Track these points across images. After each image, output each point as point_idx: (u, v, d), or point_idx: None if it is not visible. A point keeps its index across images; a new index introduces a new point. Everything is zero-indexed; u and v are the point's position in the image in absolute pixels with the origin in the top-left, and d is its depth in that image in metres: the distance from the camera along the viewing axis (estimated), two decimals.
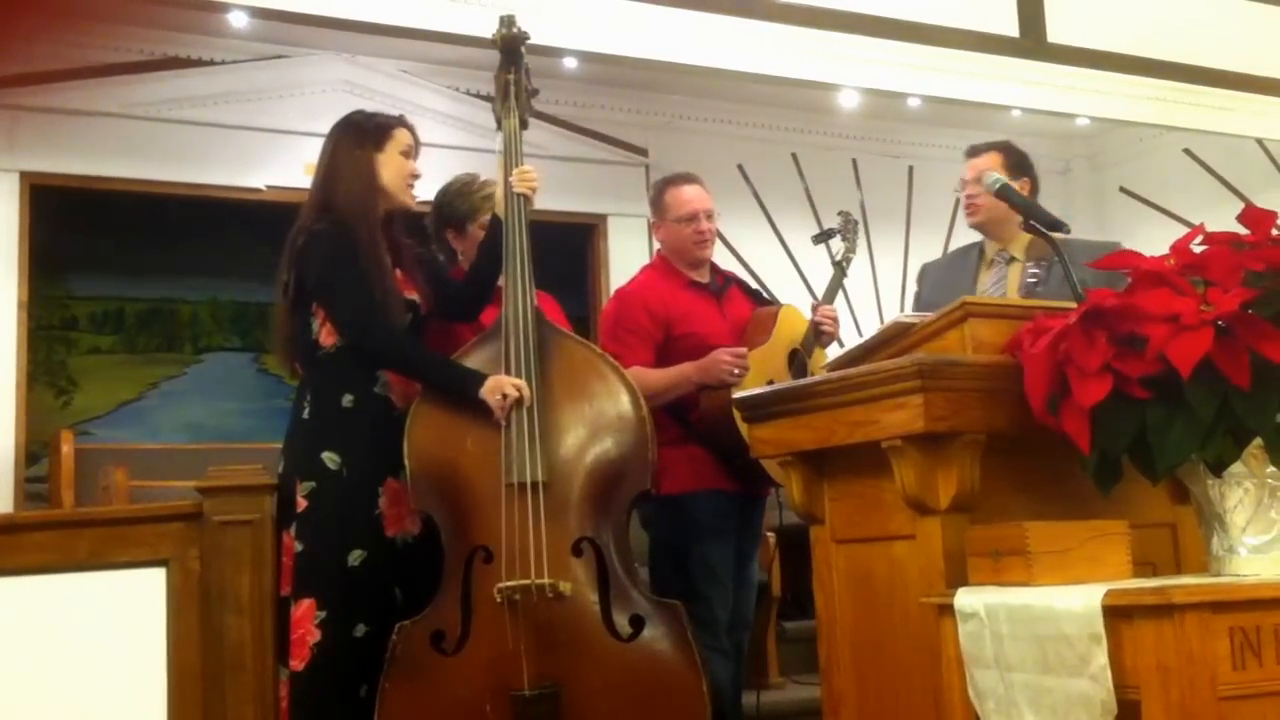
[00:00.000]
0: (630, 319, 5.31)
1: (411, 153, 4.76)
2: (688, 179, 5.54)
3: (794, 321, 5.41)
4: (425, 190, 5.35)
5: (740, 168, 10.13)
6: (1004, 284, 5.14)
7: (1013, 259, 5.18)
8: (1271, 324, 3.09)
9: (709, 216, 5.43)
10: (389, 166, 4.68)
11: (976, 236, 5.37)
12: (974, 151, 5.35)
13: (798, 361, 5.26)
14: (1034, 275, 5.02)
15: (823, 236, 5.89)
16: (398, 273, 4.65)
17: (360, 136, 4.70)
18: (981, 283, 5.21)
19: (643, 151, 9.99)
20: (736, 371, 5.02)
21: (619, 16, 7.28)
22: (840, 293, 5.71)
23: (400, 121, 4.80)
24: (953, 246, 5.82)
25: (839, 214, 5.90)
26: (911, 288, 5.64)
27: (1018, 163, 5.26)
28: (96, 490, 7.86)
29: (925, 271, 5.56)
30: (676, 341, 5.24)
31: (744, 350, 5.09)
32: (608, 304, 5.66)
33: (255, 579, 4.44)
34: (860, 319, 9.75)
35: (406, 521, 4.51)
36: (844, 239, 5.77)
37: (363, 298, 4.46)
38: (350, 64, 8.89)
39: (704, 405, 5.11)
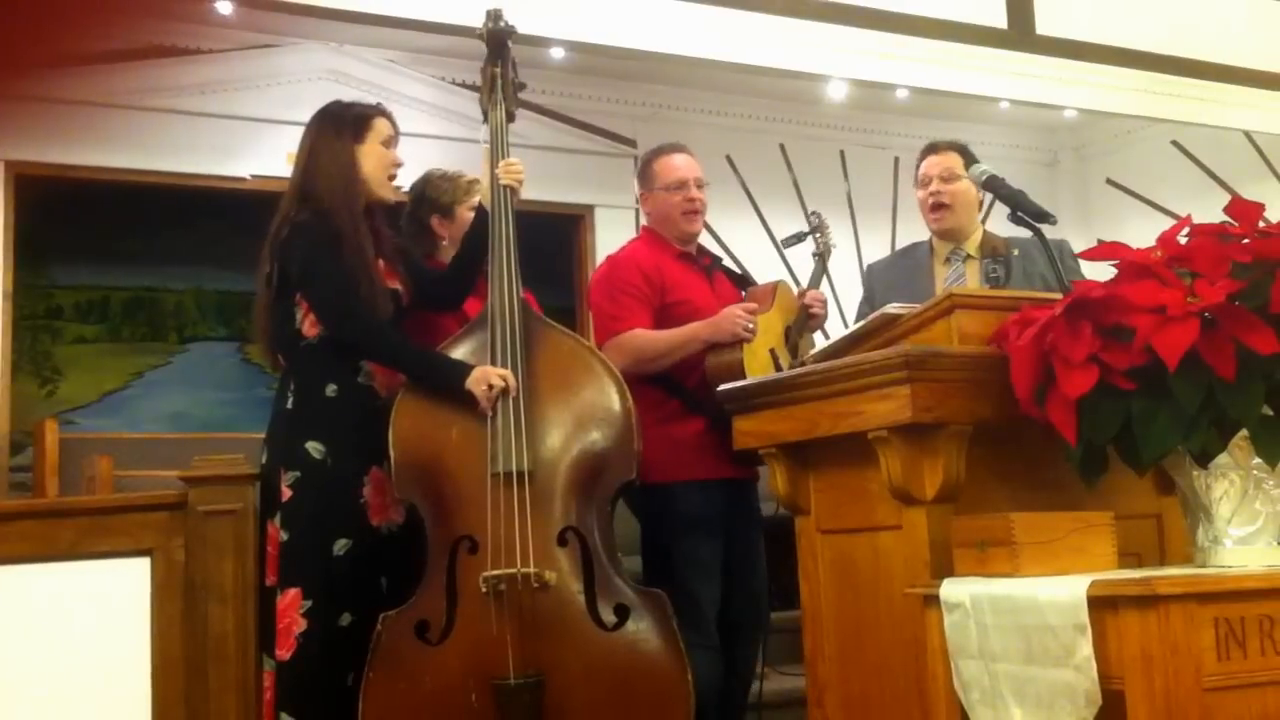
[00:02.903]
0: (626, 281, 5.19)
1: (392, 142, 4.74)
2: (677, 148, 5.43)
3: (789, 298, 5.37)
4: (407, 180, 5.35)
5: (729, 158, 10.13)
6: (963, 281, 5.14)
7: (968, 256, 5.20)
8: (1257, 315, 3.09)
9: (699, 185, 5.32)
10: (370, 157, 4.66)
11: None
12: (935, 149, 5.36)
13: (791, 340, 5.24)
14: (995, 272, 5.01)
15: (793, 240, 5.85)
16: (380, 263, 4.64)
17: (339, 127, 4.68)
18: (939, 280, 5.21)
19: (630, 142, 9.98)
20: (750, 326, 4.96)
21: (606, 6, 7.27)
22: (826, 281, 5.70)
23: (379, 111, 4.78)
24: (905, 246, 5.81)
25: (811, 214, 5.88)
26: None
27: (972, 161, 5.24)
28: (80, 480, 7.85)
29: (873, 272, 5.57)
30: (669, 309, 5.14)
31: (755, 306, 5.05)
32: (599, 268, 5.53)
33: (238, 569, 4.45)
34: (847, 310, 9.73)
35: (391, 510, 4.51)
36: (816, 237, 5.73)
37: (346, 290, 4.46)
38: (336, 53, 8.87)
39: (710, 366, 4.99)
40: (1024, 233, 4.50)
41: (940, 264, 5.26)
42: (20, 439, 8.78)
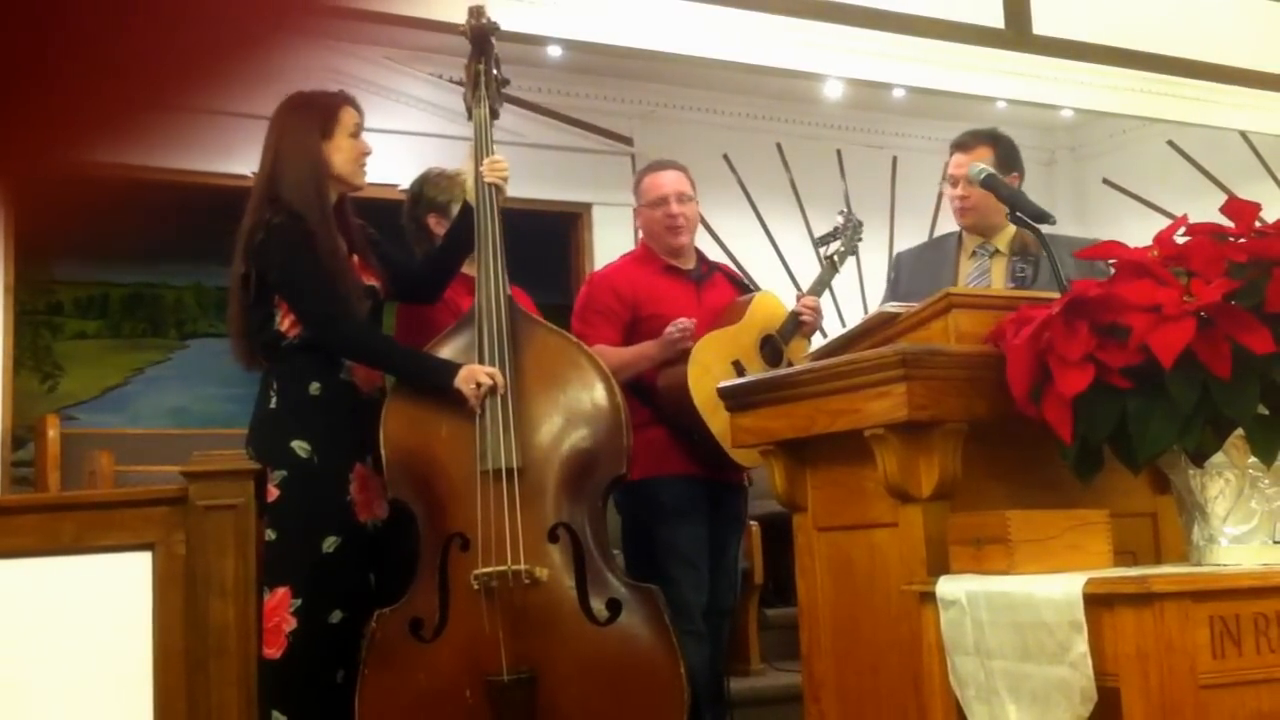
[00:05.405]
0: (597, 300, 5.40)
1: (359, 131, 4.69)
2: (665, 165, 5.61)
3: (769, 307, 5.44)
4: (407, 178, 5.35)
5: (726, 157, 10.15)
6: (988, 276, 5.12)
7: (996, 252, 5.18)
8: (1253, 315, 3.10)
9: (681, 200, 5.45)
10: (340, 153, 4.61)
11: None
12: (963, 146, 5.27)
13: (771, 347, 5.29)
14: (1022, 270, 5.00)
15: (827, 238, 5.88)
16: (354, 258, 4.64)
17: (306, 122, 4.62)
18: (963, 273, 5.19)
19: (628, 140, 9.99)
20: (675, 337, 5.09)
21: (604, 5, 7.28)
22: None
23: (343, 99, 4.73)
24: (936, 237, 5.81)
25: (840, 213, 5.92)
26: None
27: (1007, 155, 5.21)
28: (82, 474, 7.87)
29: (901, 260, 5.55)
30: (643, 323, 5.31)
31: (688, 323, 5.13)
32: (582, 287, 5.74)
33: (239, 563, 4.45)
34: (844, 308, 9.77)
35: (376, 506, 4.53)
36: (840, 238, 5.77)
37: (327, 295, 4.46)
38: (335, 50, 8.86)
39: (660, 384, 5.18)
40: (1054, 231, 4.50)
41: (966, 257, 5.23)
42: (22, 434, 8.80)
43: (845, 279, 9.56)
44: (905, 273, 5.37)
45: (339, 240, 4.56)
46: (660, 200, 5.44)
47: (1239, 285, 3.14)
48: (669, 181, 5.49)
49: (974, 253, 5.22)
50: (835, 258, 5.73)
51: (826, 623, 3.86)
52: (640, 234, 5.67)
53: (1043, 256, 4.98)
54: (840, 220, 5.82)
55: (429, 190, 5.26)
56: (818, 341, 5.39)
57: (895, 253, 5.68)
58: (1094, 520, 3.36)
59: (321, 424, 4.48)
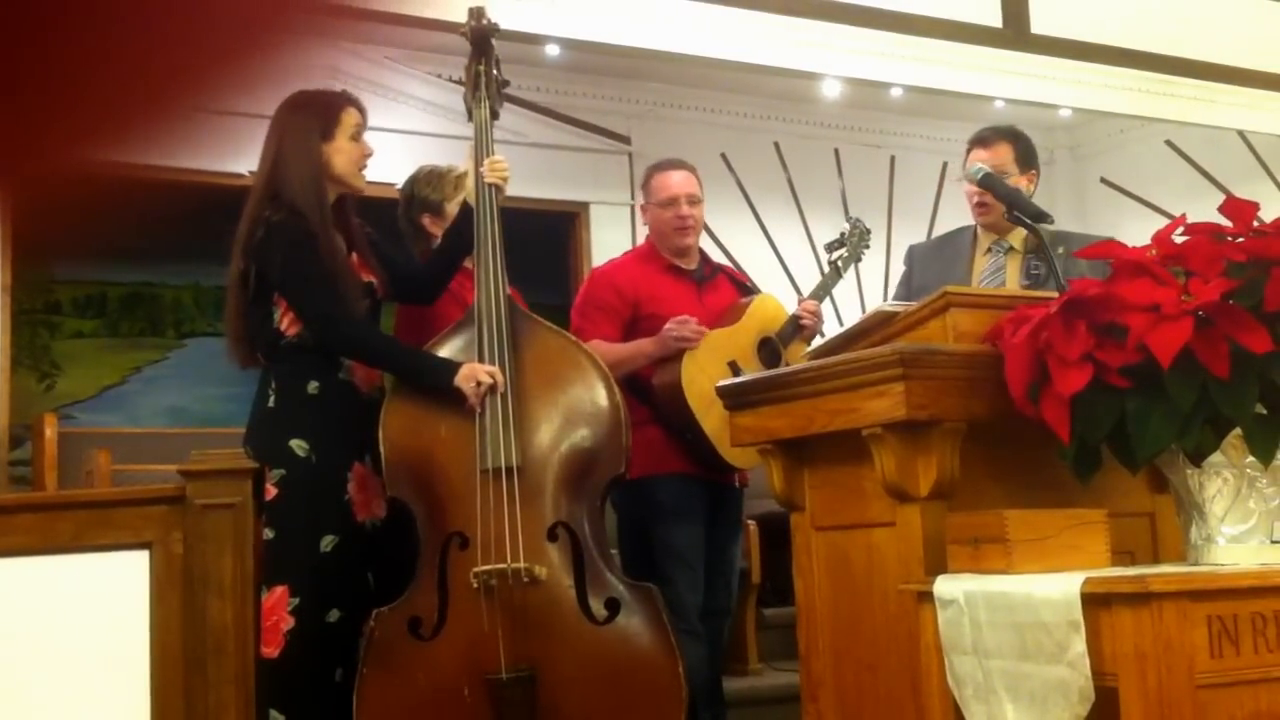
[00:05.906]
0: (597, 296, 5.41)
1: (360, 133, 4.67)
2: (675, 164, 5.58)
3: (769, 309, 5.44)
4: (399, 178, 5.35)
5: (724, 156, 10.14)
6: (1003, 274, 5.08)
7: (1011, 249, 5.14)
8: (1251, 314, 3.10)
9: (691, 202, 5.45)
10: (340, 154, 4.59)
11: (959, 224, 5.34)
12: (984, 141, 5.20)
13: (769, 349, 5.30)
14: (1036, 268, 4.96)
15: (833, 245, 5.87)
16: (354, 257, 4.63)
17: (307, 122, 4.59)
18: (977, 270, 5.15)
19: (625, 139, 9.99)
20: (676, 334, 5.10)
21: (602, 3, 7.28)
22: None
23: (345, 100, 4.71)
24: (950, 231, 5.74)
25: (848, 219, 5.91)
26: (894, 276, 5.62)
27: (1025, 154, 5.19)
28: (79, 474, 7.87)
29: (914, 254, 5.47)
30: (642, 321, 5.31)
31: (687, 319, 5.14)
32: (583, 283, 5.78)
33: (237, 562, 4.44)
34: (842, 308, 9.77)
35: (374, 505, 4.52)
36: (846, 244, 5.76)
37: (328, 294, 4.45)
38: (335, 49, 8.86)
39: (654, 382, 5.19)
40: (1067, 229, 4.47)
41: (981, 254, 5.17)
42: (19, 433, 8.79)
43: (843, 280, 9.59)
44: (918, 267, 5.31)
45: (338, 240, 4.55)
46: (671, 201, 5.43)
47: (1237, 285, 3.14)
48: (679, 183, 5.47)
49: (989, 249, 5.16)
50: (839, 263, 5.72)
51: (824, 622, 3.86)
52: (640, 232, 5.65)
53: (1055, 255, 4.95)
54: (848, 227, 5.80)
55: (421, 190, 5.25)
56: (817, 343, 5.39)
57: (908, 246, 5.62)
58: (1092, 520, 3.36)
59: (320, 423, 4.47)
